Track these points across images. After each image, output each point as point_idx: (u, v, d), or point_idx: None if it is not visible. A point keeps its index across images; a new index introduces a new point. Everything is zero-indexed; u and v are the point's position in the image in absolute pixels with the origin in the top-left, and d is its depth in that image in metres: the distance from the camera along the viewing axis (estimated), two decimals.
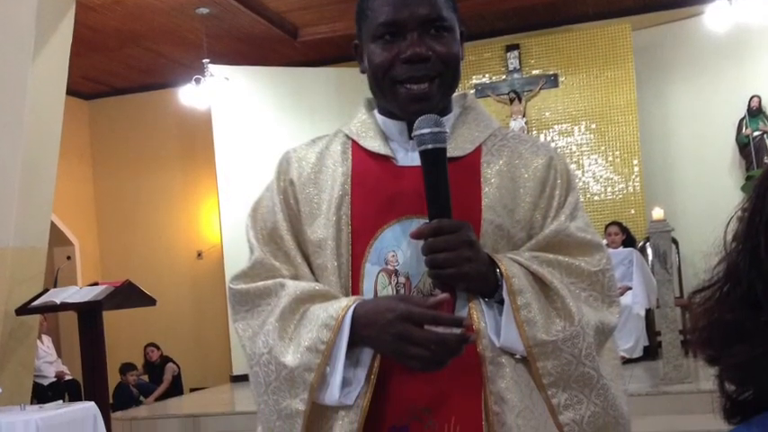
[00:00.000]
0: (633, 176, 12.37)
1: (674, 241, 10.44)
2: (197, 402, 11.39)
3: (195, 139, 14.77)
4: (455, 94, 2.24)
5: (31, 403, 8.24)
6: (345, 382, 1.97)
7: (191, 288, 14.98)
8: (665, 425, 7.61)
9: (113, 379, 11.43)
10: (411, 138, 2.07)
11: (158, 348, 13.92)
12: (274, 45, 13.34)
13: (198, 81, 12.22)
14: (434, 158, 1.99)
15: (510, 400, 1.99)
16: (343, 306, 1.97)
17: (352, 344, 1.96)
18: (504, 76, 13.05)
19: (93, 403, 6.97)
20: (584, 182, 12.39)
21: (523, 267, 2.02)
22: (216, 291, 13.69)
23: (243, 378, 10.70)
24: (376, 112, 2.26)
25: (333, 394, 1.96)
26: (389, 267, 2.08)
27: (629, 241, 11.26)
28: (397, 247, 2.08)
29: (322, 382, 1.96)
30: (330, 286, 2.09)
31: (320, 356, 1.94)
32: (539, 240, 2.12)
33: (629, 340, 10.40)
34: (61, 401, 8.45)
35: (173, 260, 15.01)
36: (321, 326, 1.96)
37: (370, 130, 2.22)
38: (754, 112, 12.08)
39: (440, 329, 1.89)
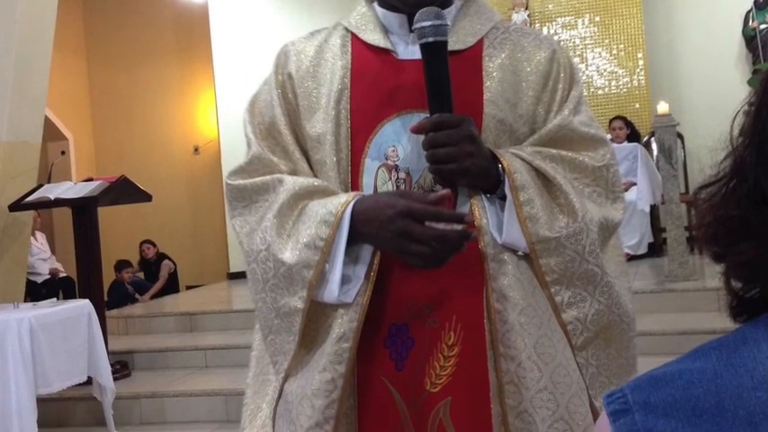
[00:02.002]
0: (638, 70, 12.21)
1: (680, 136, 10.38)
2: (193, 300, 11.37)
3: (192, 32, 14.61)
4: None
5: (25, 301, 8.24)
6: (345, 280, 1.96)
7: (187, 184, 14.95)
8: (670, 323, 7.57)
9: (108, 276, 11.46)
10: (411, 31, 2.02)
11: (154, 245, 13.92)
12: None
13: None
14: (435, 52, 1.95)
15: (512, 297, 1.98)
16: (342, 202, 1.95)
17: (352, 240, 1.95)
18: None
19: (87, 301, 6.96)
20: (587, 76, 12.21)
21: (526, 162, 2.00)
22: (213, 187, 13.65)
23: (240, 275, 10.66)
24: (376, 4, 2.20)
25: (332, 292, 1.95)
26: (390, 163, 2.05)
27: (633, 136, 11.18)
28: (398, 141, 2.05)
29: (321, 280, 1.95)
30: (329, 182, 2.07)
31: (319, 253, 1.93)
32: (541, 135, 2.09)
33: (634, 237, 10.37)
34: (55, 299, 8.44)
35: (169, 155, 14.96)
36: (320, 222, 1.94)
37: (369, 22, 2.18)
38: (760, 5, 11.87)
39: (441, 226, 1.87)
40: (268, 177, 2.08)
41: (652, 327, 7.21)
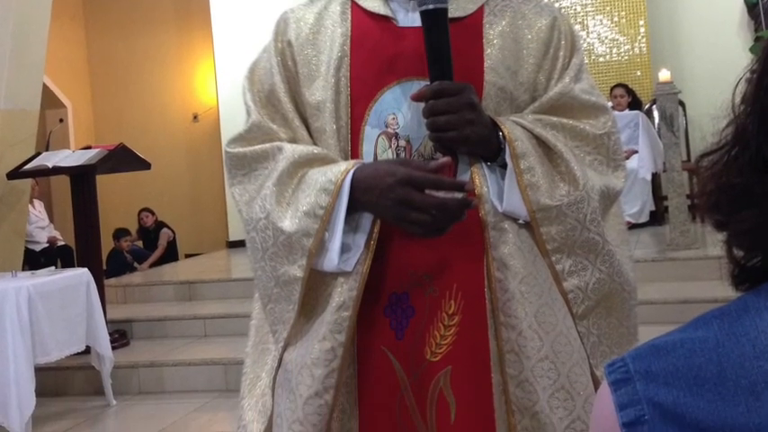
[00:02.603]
0: (639, 37, 12.13)
1: (681, 104, 10.33)
2: (192, 269, 11.37)
3: None
4: None
5: (23, 269, 8.23)
6: (344, 248, 1.95)
7: (186, 152, 14.93)
8: (671, 291, 7.59)
9: (107, 245, 11.47)
10: None
11: (153, 213, 13.92)
12: None
13: None
14: (435, 19, 1.93)
15: (513, 266, 1.97)
16: (342, 170, 1.94)
17: (352, 209, 1.94)
18: None
19: (86, 270, 6.96)
20: (588, 43, 12.14)
21: (527, 130, 1.99)
22: (212, 155, 13.63)
23: (239, 244, 10.64)
24: None
25: (332, 260, 1.94)
26: (389, 130, 2.04)
27: (634, 104, 11.15)
28: (398, 109, 2.03)
29: (320, 248, 1.95)
30: (329, 150, 2.06)
31: (319, 221, 1.92)
32: (542, 103, 2.08)
33: (635, 205, 10.37)
34: (53, 268, 8.47)
35: (168, 123, 14.93)
36: (320, 190, 1.93)
37: None
38: None
39: (441, 194, 1.87)
40: (267, 145, 2.07)
41: (653, 295, 7.22)
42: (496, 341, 1.97)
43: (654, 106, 10.51)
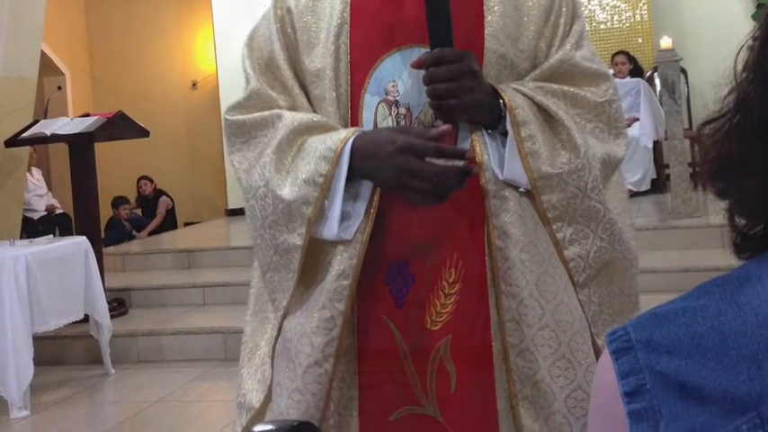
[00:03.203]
0: (641, 4, 12.09)
1: (683, 71, 10.29)
2: (191, 237, 11.39)
3: None
4: None
5: (21, 237, 8.22)
6: (344, 217, 1.95)
7: (185, 119, 14.90)
8: (673, 260, 7.60)
9: (105, 213, 11.43)
10: None
11: (152, 182, 13.91)
12: None
13: None
14: None
15: (513, 234, 1.97)
16: (342, 138, 1.93)
17: (351, 177, 1.94)
18: None
19: (84, 238, 6.97)
20: (590, 10, 12.09)
21: (527, 98, 1.98)
22: (211, 122, 13.59)
23: (239, 212, 10.67)
24: None
25: (331, 228, 1.94)
26: (390, 98, 2.02)
27: (636, 71, 11.13)
28: (398, 77, 2.02)
29: (320, 216, 1.94)
30: (328, 117, 2.04)
31: (318, 190, 1.92)
32: (543, 70, 2.06)
33: (637, 173, 10.37)
34: (51, 236, 8.44)
35: (166, 91, 14.89)
36: (319, 158, 1.92)
37: None
38: None
39: (442, 162, 1.85)
40: (267, 113, 2.06)
41: (655, 264, 7.23)
42: (497, 310, 1.97)
43: (655, 74, 10.47)
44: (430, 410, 1.96)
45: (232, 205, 12.88)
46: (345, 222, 1.94)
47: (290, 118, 2.00)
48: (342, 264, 1.95)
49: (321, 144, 1.93)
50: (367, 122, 2.02)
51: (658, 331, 0.87)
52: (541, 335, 1.95)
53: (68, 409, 6.51)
